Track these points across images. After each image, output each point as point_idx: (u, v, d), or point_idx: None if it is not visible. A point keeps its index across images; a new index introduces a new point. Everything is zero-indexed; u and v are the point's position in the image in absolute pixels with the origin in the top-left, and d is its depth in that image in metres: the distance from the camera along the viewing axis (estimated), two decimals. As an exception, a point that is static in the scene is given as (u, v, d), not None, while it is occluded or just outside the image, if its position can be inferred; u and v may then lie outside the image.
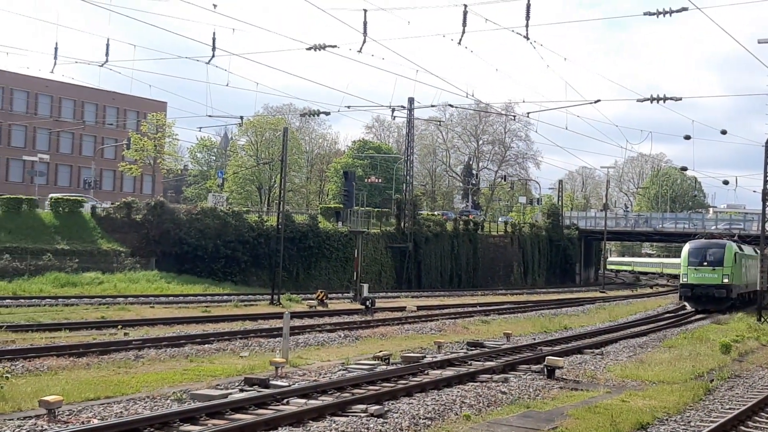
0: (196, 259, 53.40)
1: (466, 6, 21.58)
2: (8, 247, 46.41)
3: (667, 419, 14.31)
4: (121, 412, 13.21)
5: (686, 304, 46.81)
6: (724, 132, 44.26)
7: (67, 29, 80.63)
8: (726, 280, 43.83)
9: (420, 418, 13.50)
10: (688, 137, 41.00)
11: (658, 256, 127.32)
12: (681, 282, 46.00)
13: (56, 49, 25.94)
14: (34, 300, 36.32)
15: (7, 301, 35.12)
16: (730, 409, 15.32)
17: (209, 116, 44.83)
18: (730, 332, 30.66)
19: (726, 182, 64.54)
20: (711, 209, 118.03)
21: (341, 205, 63.46)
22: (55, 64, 26.22)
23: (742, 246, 48.41)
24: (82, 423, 12.03)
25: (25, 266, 45.38)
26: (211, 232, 54.43)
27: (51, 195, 56.81)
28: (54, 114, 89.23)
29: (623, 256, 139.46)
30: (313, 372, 18.27)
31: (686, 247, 46.30)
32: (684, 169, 65.41)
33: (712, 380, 18.89)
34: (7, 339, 22.33)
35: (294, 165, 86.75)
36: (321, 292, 41.17)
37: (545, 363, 19.06)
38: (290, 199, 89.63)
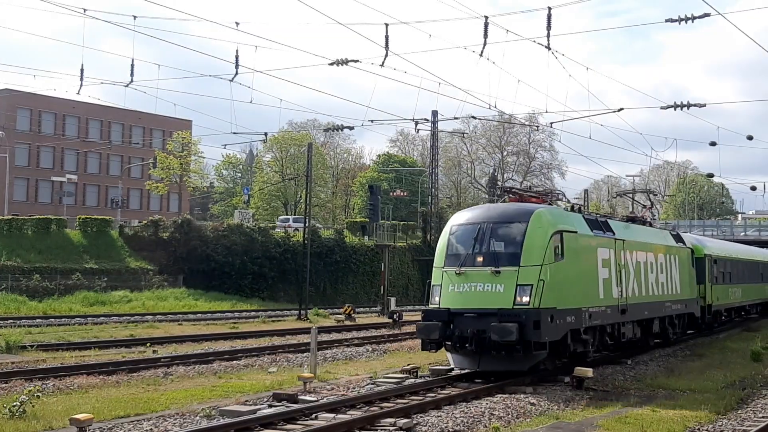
0: (224, 276, 53.64)
1: (487, 18, 21.59)
2: (38, 267, 46.91)
3: (699, 429, 14.15)
4: (151, 429, 13.27)
5: (449, 359, 19.89)
6: (750, 137, 43.67)
7: (93, 50, 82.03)
8: (523, 300, 18.16)
9: (448, 430, 13.48)
10: (713, 143, 40.72)
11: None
12: (427, 306, 19.95)
13: (82, 70, 26.19)
14: (63, 319, 36.67)
15: (38, 320, 35.47)
16: (763, 417, 15.12)
17: (234, 133, 45.00)
18: (762, 340, 30.25)
19: (754, 188, 63.82)
20: (739, 216, 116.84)
21: (367, 219, 63.65)
22: (81, 85, 26.47)
23: (608, 220, 23.65)
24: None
25: (54, 286, 45.84)
26: (237, 248, 54.69)
27: (78, 215, 57.32)
28: (81, 135, 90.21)
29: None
30: (341, 386, 18.26)
31: (448, 226, 20.66)
32: (710, 175, 64.77)
33: (744, 389, 18.67)
34: (38, 358, 22.56)
35: (319, 180, 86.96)
36: (348, 307, 41.24)
37: (573, 373, 18.93)
38: (316, 214, 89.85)
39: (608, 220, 23.39)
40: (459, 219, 20.50)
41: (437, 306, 19.11)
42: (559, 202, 23.57)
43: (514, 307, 18.05)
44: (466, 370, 19.12)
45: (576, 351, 19.99)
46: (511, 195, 22.20)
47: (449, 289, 19.09)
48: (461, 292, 18.87)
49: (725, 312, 36.50)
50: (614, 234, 22.57)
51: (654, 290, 25.14)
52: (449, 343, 18.70)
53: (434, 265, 19.99)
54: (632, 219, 27.06)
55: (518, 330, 17.44)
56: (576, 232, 20.07)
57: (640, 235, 25.38)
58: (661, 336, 26.80)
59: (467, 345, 18.20)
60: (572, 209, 22.36)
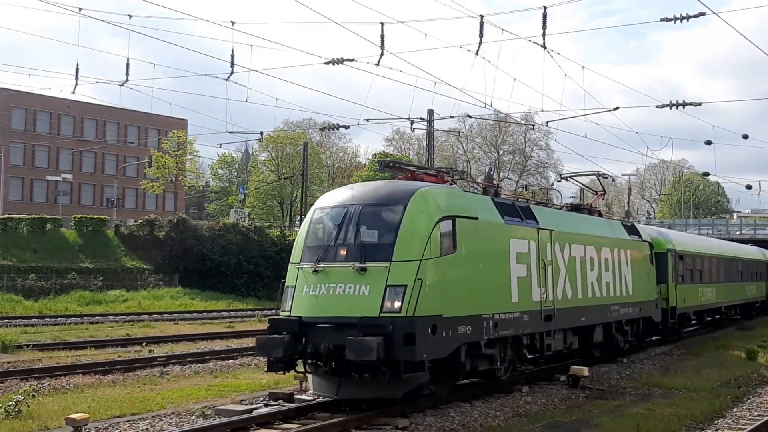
0: (220, 275, 53.66)
1: (482, 17, 21.59)
2: (33, 266, 46.89)
3: (695, 427, 14.19)
4: (147, 428, 13.26)
5: (309, 382, 15.71)
6: (745, 136, 43.74)
7: (88, 50, 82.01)
8: (394, 305, 13.90)
9: (445, 430, 13.50)
10: (709, 142, 40.76)
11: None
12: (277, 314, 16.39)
13: (77, 69, 26.16)
14: (59, 318, 36.66)
15: (34, 320, 35.45)
16: (759, 416, 15.16)
17: (229, 132, 45.20)
18: (756, 338, 30.32)
19: (749, 187, 64.03)
20: (735, 214, 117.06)
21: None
22: (76, 84, 26.43)
23: (532, 205, 19.44)
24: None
25: (50, 285, 45.82)
26: (233, 247, 54.70)
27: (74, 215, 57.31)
28: (76, 134, 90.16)
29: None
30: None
31: (311, 210, 16.33)
32: (706, 174, 64.95)
33: (740, 387, 18.70)
34: (33, 358, 22.53)
35: (315, 179, 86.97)
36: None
37: (569, 372, 18.96)
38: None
39: (531, 206, 18.96)
40: (324, 201, 16.01)
41: (288, 314, 14.84)
42: (465, 183, 19.19)
43: (381, 315, 13.67)
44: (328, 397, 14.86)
45: (477, 369, 16.04)
46: (401, 173, 17.49)
47: (303, 292, 14.72)
48: (317, 296, 14.43)
49: (694, 315, 32.60)
50: (538, 223, 18.25)
51: (596, 291, 21.07)
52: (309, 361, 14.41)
53: (290, 260, 15.59)
54: (576, 207, 23.68)
55: (382, 345, 13.11)
56: (476, 219, 15.66)
57: (578, 225, 21.24)
58: (607, 345, 22.76)
59: (321, 365, 14.14)
60: (485, 192, 17.98)
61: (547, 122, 36.65)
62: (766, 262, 47.04)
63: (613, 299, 22.21)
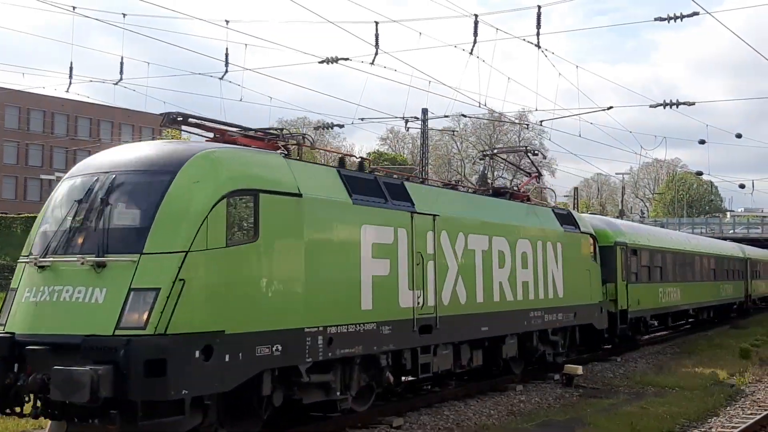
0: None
1: (476, 16, 21.59)
2: (27, 265, 46.78)
3: (688, 426, 14.22)
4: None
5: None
6: (739, 136, 43.81)
7: (82, 48, 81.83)
8: (137, 318, 9.49)
9: (439, 429, 13.53)
10: (702, 142, 40.80)
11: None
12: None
13: (71, 68, 26.07)
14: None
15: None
16: (752, 414, 15.21)
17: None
18: (750, 337, 30.42)
19: (742, 186, 64.08)
20: (728, 213, 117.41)
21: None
22: (70, 83, 26.33)
23: (407, 182, 15.20)
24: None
25: (44, 284, 45.71)
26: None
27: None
28: (70, 133, 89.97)
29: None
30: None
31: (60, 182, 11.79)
32: (699, 173, 65.00)
33: (733, 386, 18.77)
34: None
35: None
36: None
37: (563, 371, 19.01)
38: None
39: (407, 184, 14.77)
40: (78, 167, 11.53)
41: (2, 327, 10.43)
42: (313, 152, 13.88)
43: (116, 332, 9.44)
44: None
45: (302, 403, 11.99)
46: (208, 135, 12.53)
47: (23, 298, 10.38)
48: (37, 303, 10.12)
49: (653, 319, 28.20)
50: (413, 205, 14.08)
51: (506, 294, 16.86)
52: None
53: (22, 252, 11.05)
54: (498, 191, 19.51)
55: (108, 379, 9.04)
56: (298, 195, 11.52)
57: (480, 211, 16.80)
58: (528, 360, 18.98)
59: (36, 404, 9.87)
60: (341, 163, 14.37)
61: (541, 121, 36.61)
62: (746, 259, 42.77)
63: (533, 303, 17.99)
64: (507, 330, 17.11)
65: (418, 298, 13.86)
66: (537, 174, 23.87)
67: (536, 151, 24.36)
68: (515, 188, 21.16)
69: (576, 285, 20.16)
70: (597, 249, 21.99)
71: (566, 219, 20.72)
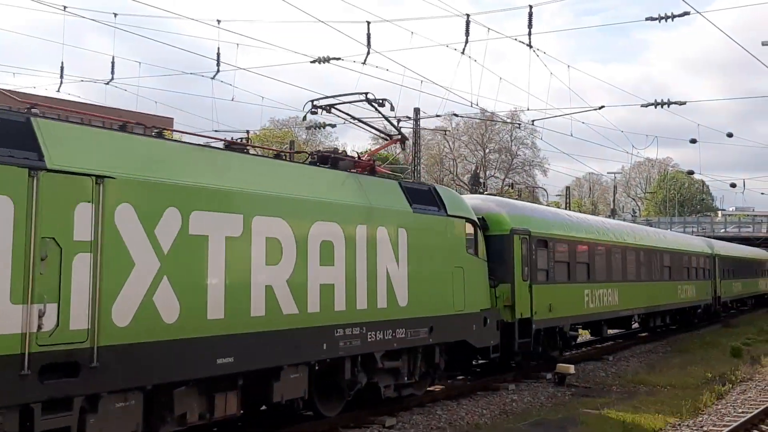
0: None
1: (468, 16, 21.63)
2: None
3: (680, 424, 14.26)
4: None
5: None
6: (730, 135, 43.93)
7: (73, 48, 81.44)
8: None
9: (432, 429, 13.53)
10: (694, 141, 40.92)
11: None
12: None
13: (62, 68, 26.20)
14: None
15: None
16: (743, 412, 15.27)
17: (215, 131, 44.91)
18: (740, 336, 30.53)
19: (734, 185, 64.34)
20: (720, 212, 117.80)
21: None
22: (61, 83, 26.33)
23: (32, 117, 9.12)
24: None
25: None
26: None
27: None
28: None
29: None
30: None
31: None
32: (691, 172, 65.17)
33: (724, 384, 18.83)
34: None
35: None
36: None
37: (555, 370, 19.05)
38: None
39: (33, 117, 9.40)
40: None
41: None
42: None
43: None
44: None
45: None
46: None
47: None
48: None
49: (575, 328, 22.68)
50: (40, 156, 8.67)
51: (280, 304, 11.35)
52: None
53: None
54: (323, 157, 14.05)
55: None
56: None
57: (227, 174, 11.09)
58: (342, 395, 13.30)
59: None
60: None
61: (533, 121, 36.88)
62: (713, 256, 37.80)
63: (342, 317, 12.48)
64: (282, 359, 11.41)
65: (42, 317, 8.32)
66: (400, 137, 17.38)
67: (382, 102, 15.33)
68: (357, 154, 15.39)
69: (435, 288, 14.87)
70: (479, 238, 16.56)
71: (422, 197, 15.05)
